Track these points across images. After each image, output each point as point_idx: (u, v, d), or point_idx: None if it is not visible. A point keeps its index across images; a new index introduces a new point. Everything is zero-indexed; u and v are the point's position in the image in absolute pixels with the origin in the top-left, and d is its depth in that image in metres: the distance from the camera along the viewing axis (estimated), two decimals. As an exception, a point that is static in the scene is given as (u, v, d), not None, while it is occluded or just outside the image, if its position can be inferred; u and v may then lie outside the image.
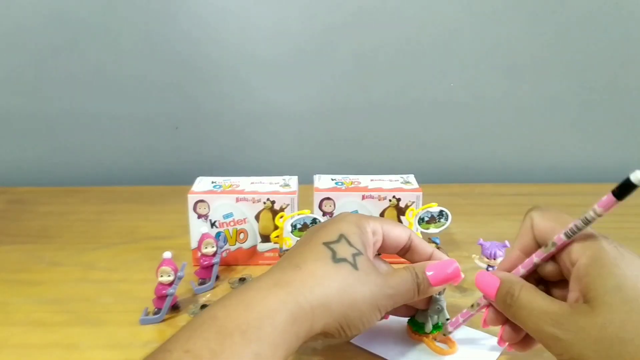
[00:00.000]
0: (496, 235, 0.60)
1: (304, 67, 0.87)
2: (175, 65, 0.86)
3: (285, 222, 0.56)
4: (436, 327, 0.45)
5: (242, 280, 0.57)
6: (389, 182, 0.62)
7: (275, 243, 0.59)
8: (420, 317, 0.45)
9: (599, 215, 0.32)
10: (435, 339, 0.45)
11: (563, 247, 0.35)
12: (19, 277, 0.59)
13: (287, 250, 0.56)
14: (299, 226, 0.56)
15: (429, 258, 0.44)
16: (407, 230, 0.45)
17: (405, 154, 0.93)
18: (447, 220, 0.59)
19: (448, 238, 0.67)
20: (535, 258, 0.37)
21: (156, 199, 0.82)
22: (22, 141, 0.90)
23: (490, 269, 0.55)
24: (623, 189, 0.30)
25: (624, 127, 0.92)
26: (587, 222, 0.32)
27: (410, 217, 0.60)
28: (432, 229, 0.59)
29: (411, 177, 0.64)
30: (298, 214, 0.57)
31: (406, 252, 0.45)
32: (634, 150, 0.93)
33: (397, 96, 0.89)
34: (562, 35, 0.86)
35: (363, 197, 0.60)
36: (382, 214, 0.60)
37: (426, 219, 0.59)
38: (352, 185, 0.61)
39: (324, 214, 0.60)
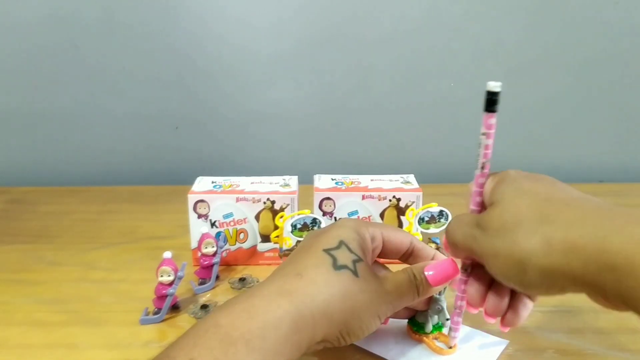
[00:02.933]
0: (496, 235, 0.60)
1: (304, 67, 0.87)
2: (175, 65, 0.86)
3: (285, 222, 0.56)
4: (436, 327, 0.45)
5: (242, 280, 0.57)
6: (389, 182, 0.62)
7: (275, 243, 0.59)
8: (420, 317, 0.45)
9: (484, 134, 0.39)
10: (435, 339, 0.45)
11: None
12: (19, 277, 0.59)
13: (287, 250, 0.56)
14: (299, 226, 0.56)
15: (432, 259, 0.44)
16: (408, 236, 0.45)
17: (405, 154, 0.93)
18: (447, 220, 0.59)
19: (448, 238, 0.67)
20: (475, 187, 0.40)
21: (156, 199, 0.82)
22: (22, 141, 0.90)
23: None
24: (487, 101, 0.37)
25: (624, 127, 0.92)
26: (479, 144, 0.39)
27: (410, 217, 0.60)
28: (432, 229, 0.59)
29: (411, 177, 0.64)
30: (298, 214, 0.57)
31: (408, 257, 0.45)
32: (634, 150, 0.93)
33: (397, 96, 0.89)
34: (562, 35, 0.86)
35: (363, 197, 0.60)
36: (382, 214, 0.60)
37: (426, 219, 0.59)
38: (352, 185, 0.61)
39: (324, 214, 0.60)
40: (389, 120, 0.91)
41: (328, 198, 0.60)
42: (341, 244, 0.40)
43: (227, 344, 0.32)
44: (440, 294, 0.44)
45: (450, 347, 0.45)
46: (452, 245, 0.38)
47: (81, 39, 0.84)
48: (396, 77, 0.88)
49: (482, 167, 0.38)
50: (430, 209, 0.59)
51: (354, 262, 0.39)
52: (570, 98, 0.90)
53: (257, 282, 0.58)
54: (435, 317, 0.45)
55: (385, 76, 0.88)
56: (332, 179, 0.63)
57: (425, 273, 0.41)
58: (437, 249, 0.55)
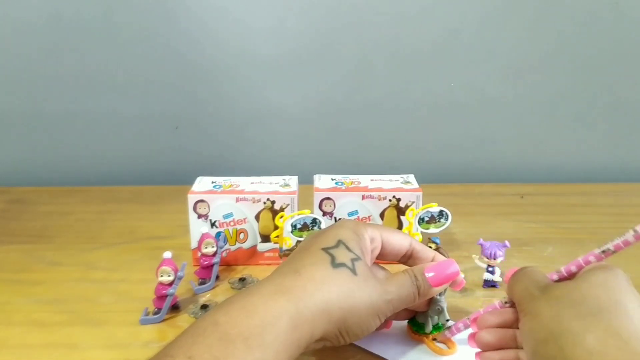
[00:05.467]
0: (496, 235, 0.60)
1: (304, 67, 0.87)
2: (175, 65, 0.86)
3: (285, 222, 0.56)
4: (436, 327, 0.45)
5: (242, 280, 0.57)
6: (389, 182, 0.62)
7: (275, 243, 0.59)
8: (420, 318, 0.45)
9: (636, 230, 0.33)
10: (435, 340, 0.45)
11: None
12: (19, 277, 0.59)
13: (287, 250, 0.56)
14: (299, 226, 0.56)
15: (432, 261, 0.44)
16: (407, 238, 0.45)
17: (405, 154, 0.93)
18: (447, 220, 0.59)
19: (448, 238, 0.67)
20: (581, 260, 0.37)
21: (156, 199, 0.82)
22: (22, 141, 0.90)
23: (490, 269, 0.55)
24: None
25: (624, 127, 0.92)
26: (623, 235, 0.34)
27: (410, 217, 0.60)
28: (432, 229, 0.59)
29: (411, 177, 0.64)
30: (298, 214, 0.57)
31: (408, 259, 0.45)
32: (634, 150, 0.93)
33: (397, 96, 0.89)
34: (562, 35, 0.86)
35: (363, 197, 0.60)
36: (382, 214, 0.60)
37: (426, 219, 0.59)
38: (352, 185, 0.61)
39: (324, 214, 0.60)
40: (389, 121, 0.91)
41: (328, 198, 0.60)
42: (339, 243, 0.40)
43: (226, 342, 0.32)
44: (440, 294, 0.44)
45: (450, 347, 0.45)
46: (509, 289, 0.38)
47: (81, 39, 0.84)
48: (396, 77, 0.88)
49: (604, 252, 0.36)
50: (430, 209, 0.59)
51: (353, 260, 0.39)
52: (570, 98, 0.90)
53: (257, 281, 0.58)
54: (436, 317, 0.45)
55: (385, 76, 0.88)
56: (332, 179, 0.63)
57: (426, 274, 0.41)
58: (437, 249, 0.55)
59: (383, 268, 0.44)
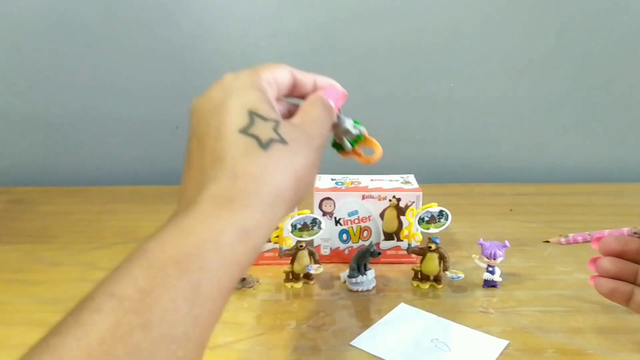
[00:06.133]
0: (496, 235, 0.60)
1: (304, 66, 0.86)
2: (175, 65, 0.86)
3: (285, 222, 0.56)
4: (355, 141, 0.44)
5: (242, 280, 0.57)
6: (389, 182, 0.62)
7: (275, 243, 0.59)
8: (336, 140, 0.44)
9: None
10: (358, 153, 0.44)
11: None
12: (19, 277, 0.59)
13: (287, 250, 0.56)
14: (299, 226, 0.56)
15: (314, 86, 0.42)
16: (287, 68, 0.40)
17: (405, 153, 0.93)
18: (447, 220, 0.59)
19: (448, 238, 0.67)
20: None
21: (156, 199, 0.82)
22: (22, 141, 0.90)
23: (490, 268, 0.55)
24: None
25: (623, 127, 0.92)
26: None
27: (410, 217, 0.60)
28: (432, 229, 0.59)
29: (411, 177, 0.64)
30: (298, 214, 0.57)
31: (292, 90, 0.41)
32: (633, 150, 0.93)
33: (397, 96, 0.89)
34: (562, 35, 0.86)
35: (363, 197, 0.60)
36: (382, 214, 0.60)
37: (426, 219, 0.59)
38: (352, 185, 0.61)
39: (324, 214, 0.60)
40: (389, 120, 0.90)
41: (328, 198, 0.60)
42: (252, 116, 0.34)
43: (155, 270, 0.26)
44: (339, 117, 0.42)
45: (375, 149, 0.44)
46: None
47: (81, 40, 0.84)
48: (396, 77, 0.88)
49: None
50: (430, 209, 0.59)
51: (275, 129, 0.34)
52: (569, 98, 0.90)
53: (257, 282, 0.58)
54: (344, 138, 0.43)
55: (385, 76, 0.88)
56: (332, 179, 0.63)
57: (329, 100, 0.39)
58: (438, 249, 0.55)
59: (288, 103, 0.41)
